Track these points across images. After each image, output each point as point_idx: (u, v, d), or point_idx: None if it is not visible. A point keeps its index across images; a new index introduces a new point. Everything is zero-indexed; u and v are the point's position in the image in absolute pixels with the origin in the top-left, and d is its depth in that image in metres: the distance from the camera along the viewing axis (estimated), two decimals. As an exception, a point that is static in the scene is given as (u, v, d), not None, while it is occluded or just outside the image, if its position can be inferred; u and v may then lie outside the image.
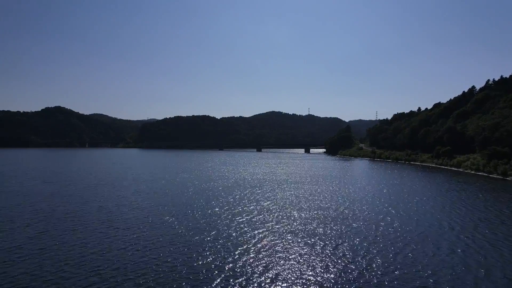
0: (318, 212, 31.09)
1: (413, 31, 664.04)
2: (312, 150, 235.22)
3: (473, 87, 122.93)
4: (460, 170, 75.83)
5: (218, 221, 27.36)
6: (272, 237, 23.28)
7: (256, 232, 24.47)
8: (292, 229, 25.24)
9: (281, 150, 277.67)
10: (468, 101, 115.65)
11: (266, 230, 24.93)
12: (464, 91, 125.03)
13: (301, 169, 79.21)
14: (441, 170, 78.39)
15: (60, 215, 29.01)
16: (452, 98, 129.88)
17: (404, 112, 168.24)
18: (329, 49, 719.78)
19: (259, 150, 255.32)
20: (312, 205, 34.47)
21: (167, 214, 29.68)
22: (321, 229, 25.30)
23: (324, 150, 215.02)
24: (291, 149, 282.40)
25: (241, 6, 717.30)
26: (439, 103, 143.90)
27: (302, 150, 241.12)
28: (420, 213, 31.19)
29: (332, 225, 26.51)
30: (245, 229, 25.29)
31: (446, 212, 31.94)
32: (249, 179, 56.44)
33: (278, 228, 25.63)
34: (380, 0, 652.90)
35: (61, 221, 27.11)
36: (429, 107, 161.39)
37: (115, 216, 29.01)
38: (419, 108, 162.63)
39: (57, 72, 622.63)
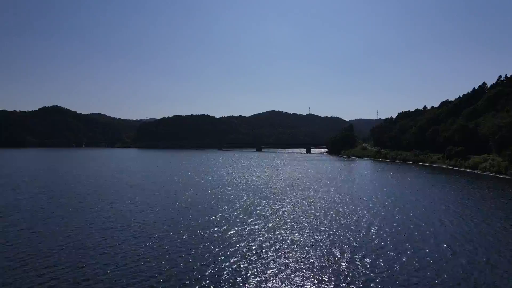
0: (335, 234, 25.15)
1: (414, 30, 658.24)
2: (313, 150, 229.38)
3: (484, 83, 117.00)
4: (477, 172, 69.93)
5: (214, 248, 21.31)
6: (281, 272, 17.42)
7: (261, 262, 18.60)
8: (307, 262, 19.35)
9: (282, 150, 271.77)
10: (479, 99, 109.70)
11: (275, 264, 19.04)
12: (474, 88, 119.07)
13: (306, 171, 73.12)
14: (455, 172, 72.41)
15: (5, 239, 23.06)
16: (461, 96, 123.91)
17: (409, 111, 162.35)
18: (329, 48, 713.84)
19: (259, 150, 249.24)
20: (328, 222, 28.50)
21: (147, 238, 23.62)
22: (345, 261, 19.40)
23: (325, 150, 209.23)
24: (292, 149, 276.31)
25: (241, 5, 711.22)
26: (447, 101, 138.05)
27: (303, 150, 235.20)
28: (467, 234, 24.83)
29: (355, 253, 20.60)
30: (249, 260, 19.39)
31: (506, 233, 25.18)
32: (251, 184, 50.06)
33: (287, 259, 19.72)
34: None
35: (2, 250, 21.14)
36: (431, 105, 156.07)
37: (76, 238, 23.06)
38: (425, 106, 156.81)
39: (56, 72, 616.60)
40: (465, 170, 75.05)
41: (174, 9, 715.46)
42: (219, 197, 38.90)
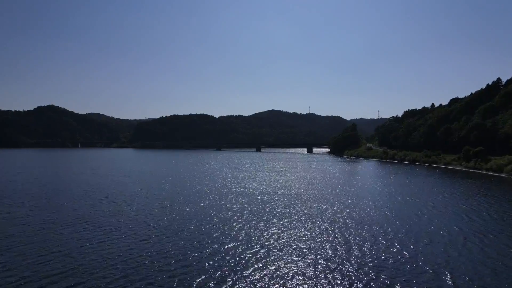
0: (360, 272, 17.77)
1: (415, 29, 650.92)
2: (315, 150, 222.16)
3: (499, 79, 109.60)
4: (503, 175, 62.61)
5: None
6: None
7: None
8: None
9: (282, 150, 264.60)
10: (494, 95, 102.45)
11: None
12: (488, 84, 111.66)
13: (311, 175, 65.17)
14: (477, 175, 64.99)
15: None
16: (473, 92, 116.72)
17: (416, 109, 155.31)
18: (330, 47, 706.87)
19: (258, 150, 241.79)
20: (349, 251, 21.11)
21: (116, 274, 16.34)
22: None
23: (327, 150, 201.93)
24: (292, 149, 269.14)
25: (240, 3, 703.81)
26: (457, 98, 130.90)
27: (304, 150, 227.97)
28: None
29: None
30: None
31: None
32: (252, 193, 41.98)
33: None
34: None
35: None
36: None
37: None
38: (433, 104, 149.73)
39: (54, 72, 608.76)
40: (487, 173, 67.72)
41: (172, 8, 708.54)
42: (211, 212, 31.46)
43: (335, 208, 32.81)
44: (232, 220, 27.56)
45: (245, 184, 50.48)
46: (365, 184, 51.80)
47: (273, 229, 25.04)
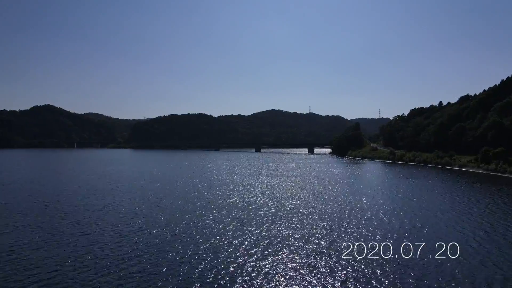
0: None
1: (416, 29, 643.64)
2: (316, 150, 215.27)
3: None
4: (532, 180, 55.91)
5: None
6: None
7: None
8: None
9: (282, 150, 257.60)
10: (510, 92, 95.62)
11: None
12: (502, 80, 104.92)
13: (318, 180, 58.38)
14: (504, 180, 58.14)
15: None
16: (486, 89, 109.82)
17: (423, 107, 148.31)
18: (330, 46, 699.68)
19: (258, 150, 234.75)
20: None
21: None
22: None
23: (329, 150, 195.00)
24: (293, 149, 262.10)
25: (240, 3, 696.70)
26: (467, 95, 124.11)
27: (305, 150, 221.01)
28: None
29: None
30: None
31: None
32: (253, 205, 34.88)
33: None
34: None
35: None
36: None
37: None
38: (441, 102, 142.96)
39: (51, 71, 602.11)
40: (511, 176, 61.01)
41: (171, 8, 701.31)
42: (202, 237, 24.66)
43: (357, 230, 26.00)
44: (226, 248, 20.72)
45: (243, 194, 43.65)
46: (385, 192, 44.96)
47: (276, 261, 18.20)
